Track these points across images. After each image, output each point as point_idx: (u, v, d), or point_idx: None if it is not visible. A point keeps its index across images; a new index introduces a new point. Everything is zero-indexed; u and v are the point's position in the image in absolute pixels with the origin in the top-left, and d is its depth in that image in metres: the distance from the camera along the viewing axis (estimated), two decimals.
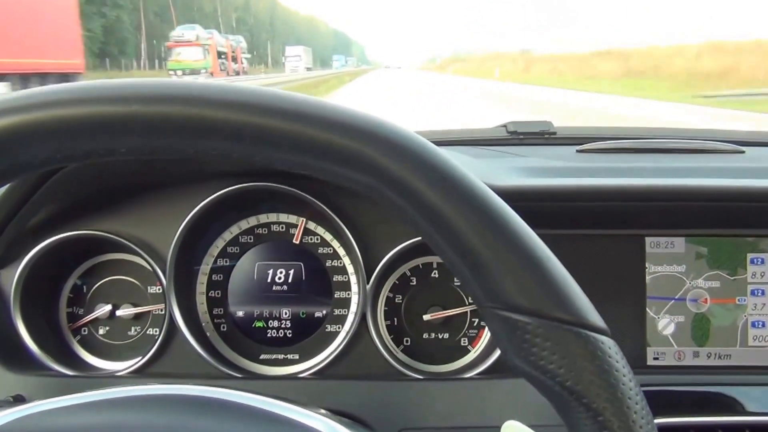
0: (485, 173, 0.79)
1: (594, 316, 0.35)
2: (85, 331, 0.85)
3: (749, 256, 0.82)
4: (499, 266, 0.35)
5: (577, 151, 0.95)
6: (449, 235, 0.36)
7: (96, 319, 0.84)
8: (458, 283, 0.85)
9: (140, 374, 0.81)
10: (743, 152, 0.95)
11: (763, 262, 0.82)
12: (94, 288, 0.85)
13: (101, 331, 0.85)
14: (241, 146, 0.36)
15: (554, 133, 1.02)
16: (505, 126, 1.05)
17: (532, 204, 0.76)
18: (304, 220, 0.84)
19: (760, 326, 0.82)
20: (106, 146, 0.36)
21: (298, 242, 0.84)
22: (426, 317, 0.83)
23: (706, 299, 0.82)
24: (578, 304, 0.35)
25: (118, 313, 0.84)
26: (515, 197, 0.68)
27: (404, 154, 0.36)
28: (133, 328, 0.85)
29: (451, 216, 0.35)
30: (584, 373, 0.33)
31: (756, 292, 0.82)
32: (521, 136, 1.02)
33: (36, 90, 0.36)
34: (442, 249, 0.37)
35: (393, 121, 0.39)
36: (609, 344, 0.35)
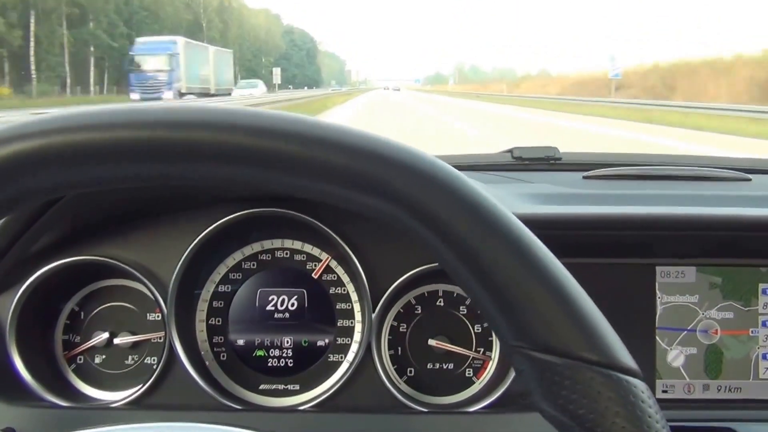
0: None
1: (626, 358, 0.34)
2: (80, 359, 0.82)
3: (761, 286, 0.81)
4: (530, 304, 0.33)
5: (584, 177, 0.94)
6: (477, 269, 0.34)
7: (92, 347, 0.82)
8: (464, 312, 0.83)
9: (137, 405, 0.78)
10: (750, 180, 0.94)
11: None
12: (91, 315, 0.83)
13: (97, 360, 0.82)
14: (262, 173, 0.34)
15: (560, 159, 1.02)
16: (510, 151, 1.04)
17: (541, 232, 0.75)
18: (329, 257, 0.82)
19: None
20: (134, 173, 0.35)
21: (316, 277, 0.82)
22: (431, 342, 0.81)
23: (717, 330, 0.81)
24: (610, 345, 0.33)
25: (116, 341, 0.81)
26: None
27: (432, 184, 0.34)
28: (130, 357, 0.82)
29: (480, 249, 0.34)
30: (617, 419, 0.32)
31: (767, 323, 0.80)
32: (527, 162, 1.02)
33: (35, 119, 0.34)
34: (467, 283, 0.35)
35: (417, 148, 0.37)
36: (641, 388, 0.33)
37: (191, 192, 0.79)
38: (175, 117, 0.34)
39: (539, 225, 0.76)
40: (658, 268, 0.80)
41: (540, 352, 0.33)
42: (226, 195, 0.79)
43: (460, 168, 1.17)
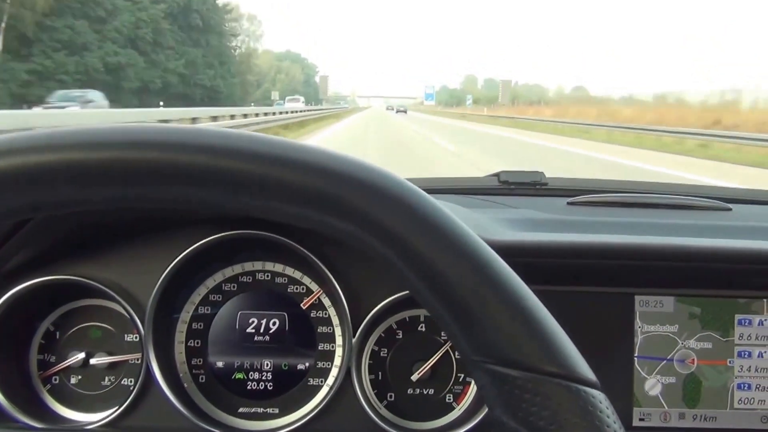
0: (476, 224, 0.78)
1: (584, 369, 0.34)
2: (56, 379, 0.81)
3: (737, 317, 0.82)
4: (488, 318, 0.34)
5: (568, 203, 0.95)
6: (436, 285, 0.34)
7: (68, 368, 0.80)
8: (445, 337, 0.83)
9: (113, 427, 0.77)
10: (730, 209, 0.96)
11: (750, 323, 0.82)
12: (67, 334, 0.81)
13: (73, 380, 0.81)
14: (213, 193, 0.34)
15: (546, 184, 1.03)
16: (497, 175, 1.04)
17: (522, 260, 0.75)
18: (321, 291, 0.82)
19: (746, 388, 0.81)
20: (86, 196, 0.34)
21: (305, 307, 0.82)
22: (414, 377, 0.81)
23: (694, 360, 0.82)
24: (568, 357, 0.34)
25: (92, 361, 0.80)
26: (505, 252, 0.67)
27: (390, 201, 0.34)
28: (107, 378, 0.81)
29: (438, 266, 0.34)
30: (576, 430, 0.32)
31: (743, 354, 0.82)
32: (512, 186, 1.02)
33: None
34: (427, 299, 0.35)
35: (380, 166, 0.37)
36: (600, 398, 0.34)
37: (170, 213, 0.78)
38: (91, 138, 0.33)
39: (521, 253, 0.77)
40: (637, 297, 0.81)
41: (499, 366, 0.33)
42: (206, 216, 0.78)
43: (447, 191, 1.17)
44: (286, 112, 27.87)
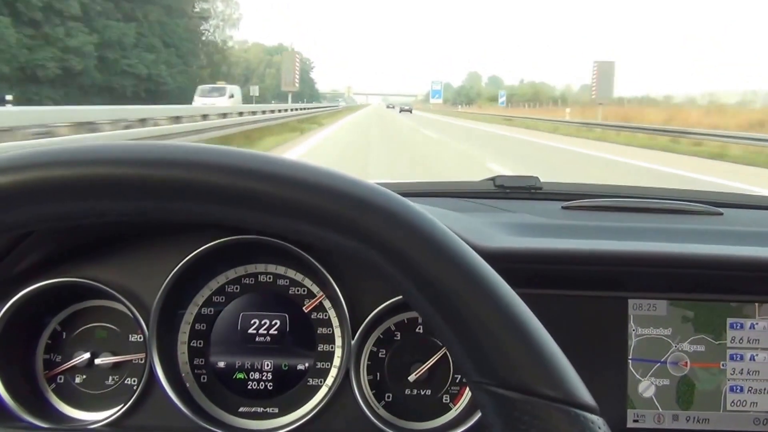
0: (471, 229, 0.80)
1: (584, 394, 0.35)
2: (61, 379, 0.83)
3: (728, 320, 0.83)
4: (491, 342, 0.35)
5: (563, 207, 0.96)
6: (441, 307, 0.35)
7: (73, 367, 0.82)
8: None
9: (116, 427, 0.79)
10: (721, 214, 0.97)
11: (742, 327, 0.83)
12: (73, 335, 0.83)
13: (78, 380, 0.83)
14: (221, 210, 0.35)
15: (540, 189, 1.04)
16: (492, 180, 1.06)
17: (516, 266, 0.77)
18: (323, 296, 0.83)
19: (738, 391, 0.83)
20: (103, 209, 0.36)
21: (308, 311, 0.84)
22: (411, 378, 0.83)
23: (687, 362, 0.83)
24: (568, 381, 0.35)
25: (97, 361, 0.82)
26: (500, 258, 0.69)
27: (397, 223, 0.35)
28: (111, 378, 0.83)
29: (444, 289, 0.35)
30: None
31: (735, 356, 0.83)
32: (508, 191, 1.04)
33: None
34: (432, 320, 0.36)
35: (384, 186, 0.38)
36: (599, 423, 0.34)
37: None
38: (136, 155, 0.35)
39: (515, 259, 0.78)
40: (630, 301, 0.82)
41: (500, 388, 0.34)
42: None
43: (443, 194, 1.19)
44: (204, 117, 14.08)
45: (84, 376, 0.83)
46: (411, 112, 58.48)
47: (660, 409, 0.82)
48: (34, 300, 0.78)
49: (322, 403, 0.80)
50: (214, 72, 51.18)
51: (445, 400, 0.85)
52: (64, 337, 0.83)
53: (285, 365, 0.84)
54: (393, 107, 79.31)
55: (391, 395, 0.84)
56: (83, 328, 0.83)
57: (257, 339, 0.84)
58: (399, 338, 0.85)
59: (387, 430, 0.79)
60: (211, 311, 0.84)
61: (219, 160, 0.35)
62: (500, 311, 0.35)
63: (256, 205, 0.35)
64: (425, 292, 0.35)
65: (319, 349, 0.84)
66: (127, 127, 9.97)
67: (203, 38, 52.87)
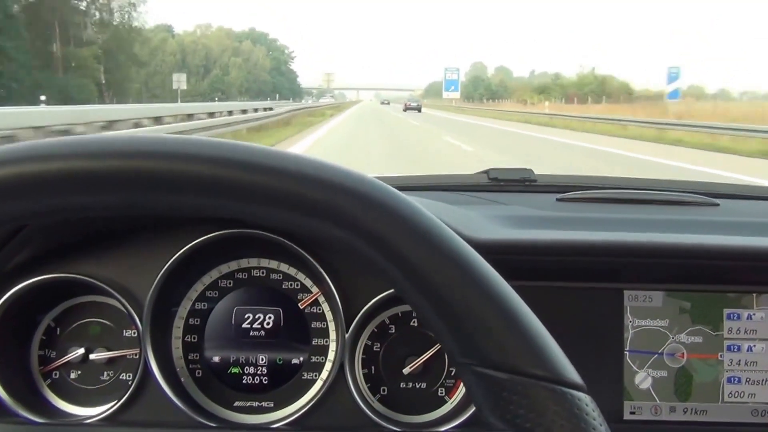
0: (465, 222, 0.79)
1: (570, 372, 0.35)
2: (56, 374, 0.83)
3: (725, 311, 0.83)
4: (475, 322, 0.35)
5: (557, 199, 0.96)
6: (424, 289, 0.35)
7: (68, 363, 0.82)
8: None
9: (111, 422, 0.79)
10: (718, 205, 0.97)
11: (739, 317, 0.83)
12: (67, 330, 0.83)
13: (73, 375, 0.83)
14: (201, 200, 0.36)
15: (535, 181, 1.04)
16: (486, 172, 1.06)
17: (511, 257, 0.77)
18: (319, 292, 0.83)
19: (735, 382, 0.82)
20: (85, 202, 0.36)
21: (303, 307, 0.84)
22: (406, 371, 0.82)
23: (683, 354, 0.82)
24: (555, 360, 0.35)
25: (91, 356, 0.82)
26: (494, 250, 0.69)
27: (377, 207, 0.36)
28: (105, 373, 0.83)
29: (426, 271, 0.35)
30: None
31: (732, 347, 0.82)
32: (502, 183, 1.03)
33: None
34: (416, 303, 0.36)
35: (366, 172, 0.39)
36: (586, 401, 0.34)
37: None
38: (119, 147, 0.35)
39: (510, 251, 0.78)
40: (626, 292, 0.82)
41: (487, 368, 0.34)
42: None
43: (436, 187, 1.19)
44: None
45: (79, 372, 0.83)
46: (420, 110, 44.32)
47: (657, 401, 0.82)
48: (27, 296, 0.79)
49: (317, 397, 0.80)
50: (121, 65, 38.96)
51: (441, 393, 0.84)
52: (58, 332, 0.83)
53: (279, 359, 0.84)
54: (388, 103, 65.83)
55: (386, 389, 0.84)
56: (77, 323, 0.83)
57: (251, 333, 0.83)
58: (393, 331, 0.84)
59: (382, 423, 0.79)
60: (204, 306, 0.84)
61: (198, 150, 0.35)
62: (483, 291, 0.35)
63: (261, 197, 0.35)
64: (409, 275, 0.36)
65: (313, 343, 0.84)
66: None
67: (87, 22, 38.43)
